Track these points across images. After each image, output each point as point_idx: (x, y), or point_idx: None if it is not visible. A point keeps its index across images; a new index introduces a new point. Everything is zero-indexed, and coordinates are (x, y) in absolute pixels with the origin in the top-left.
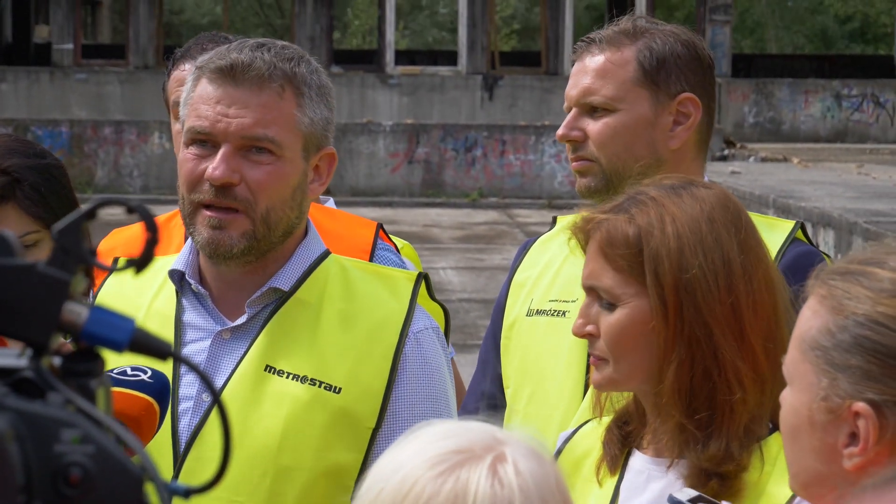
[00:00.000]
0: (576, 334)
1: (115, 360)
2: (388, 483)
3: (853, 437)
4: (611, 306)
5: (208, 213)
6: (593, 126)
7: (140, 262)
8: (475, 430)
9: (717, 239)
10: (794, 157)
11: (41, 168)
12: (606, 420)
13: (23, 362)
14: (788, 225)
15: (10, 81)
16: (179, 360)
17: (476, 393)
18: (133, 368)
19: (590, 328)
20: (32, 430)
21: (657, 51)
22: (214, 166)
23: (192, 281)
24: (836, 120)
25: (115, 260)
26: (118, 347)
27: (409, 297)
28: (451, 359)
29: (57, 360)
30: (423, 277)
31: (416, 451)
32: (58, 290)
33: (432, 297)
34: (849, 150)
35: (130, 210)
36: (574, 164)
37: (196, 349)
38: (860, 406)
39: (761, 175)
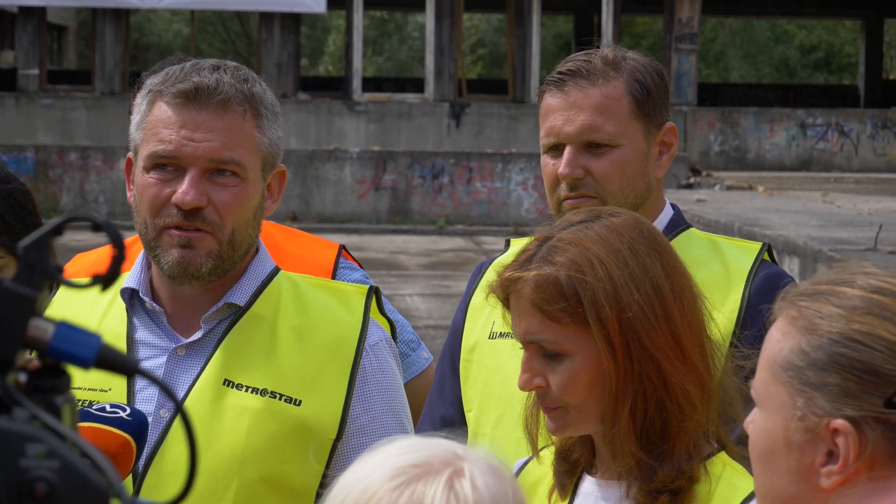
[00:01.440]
0: (523, 389)
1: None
2: (349, 493)
3: (830, 456)
4: (557, 356)
5: (177, 232)
6: (597, 164)
7: (106, 279)
8: (437, 445)
9: (643, 269)
10: (760, 186)
11: (6, 193)
12: (546, 455)
13: None
14: (756, 246)
15: None
16: (146, 376)
17: (433, 416)
18: (112, 405)
19: (538, 381)
20: None
21: (644, 83)
22: (185, 191)
23: (146, 298)
24: (800, 149)
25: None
26: (84, 364)
27: (363, 310)
28: (430, 365)
29: (22, 377)
30: (373, 291)
31: (378, 463)
32: (24, 307)
33: (381, 311)
34: (813, 179)
35: (96, 227)
36: (574, 200)
37: (150, 366)
38: (839, 423)
39: (727, 203)
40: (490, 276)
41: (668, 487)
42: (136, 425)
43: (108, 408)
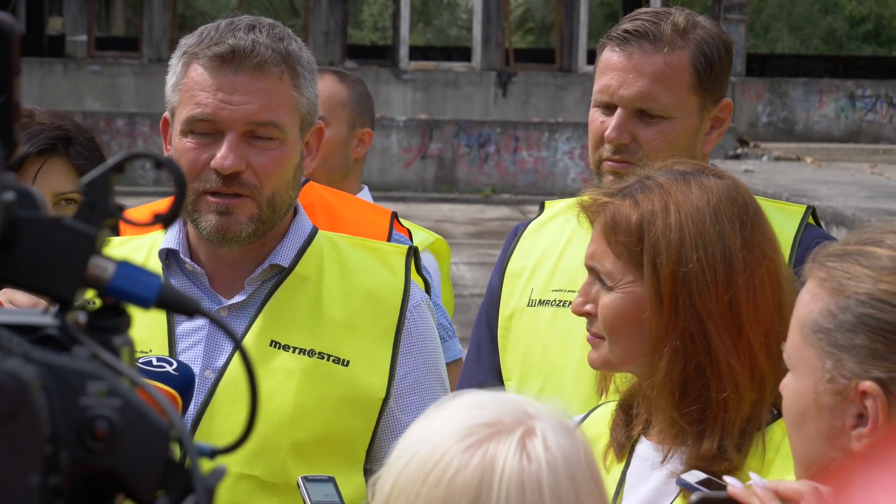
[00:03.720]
0: (574, 312)
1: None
2: (418, 451)
3: (860, 419)
4: (608, 287)
5: (214, 199)
6: (645, 132)
7: (168, 217)
8: (506, 402)
9: (719, 232)
10: (808, 157)
11: (90, 135)
12: (613, 405)
13: (48, 319)
14: (800, 210)
15: (24, 73)
16: (207, 316)
17: (471, 383)
18: (159, 359)
19: (588, 307)
20: (58, 383)
21: (709, 56)
22: (223, 156)
23: (187, 259)
24: (849, 120)
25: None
26: (145, 304)
27: (404, 270)
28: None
29: (82, 316)
30: (412, 251)
31: (448, 420)
32: (84, 245)
33: (419, 272)
34: (862, 151)
35: (158, 164)
36: (615, 164)
37: (192, 327)
38: (867, 385)
39: (774, 174)
40: (581, 197)
41: (709, 469)
42: (184, 379)
43: (154, 361)
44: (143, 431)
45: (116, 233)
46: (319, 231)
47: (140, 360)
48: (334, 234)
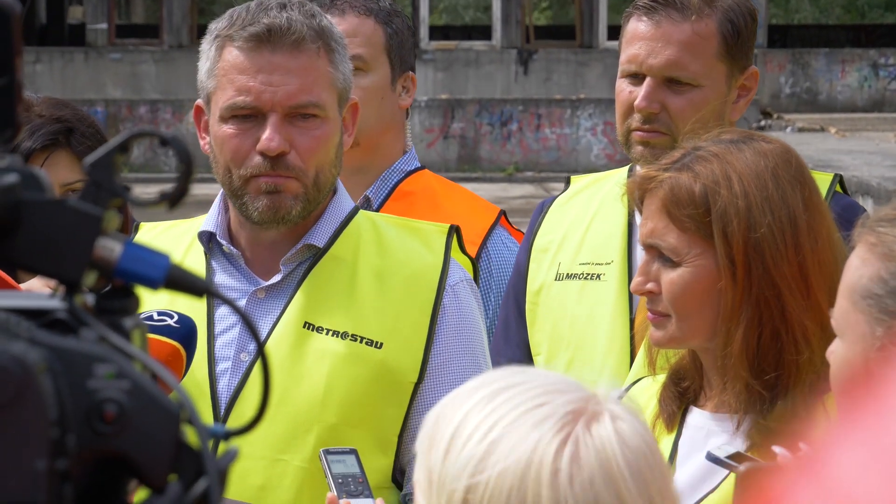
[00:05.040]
0: (635, 292)
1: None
2: (501, 462)
3: None
4: (673, 263)
5: (263, 179)
6: (675, 101)
7: (174, 196)
8: (571, 385)
9: (782, 196)
10: (832, 127)
11: (91, 121)
12: (661, 377)
13: (56, 303)
14: (827, 178)
15: (45, 62)
16: (217, 296)
17: (499, 360)
18: (160, 313)
19: (650, 286)
20: (65, 366)
21: (736, 24)
22: (269, 137)
23: (223, 241)
24: (873, 90)
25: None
26: (153, 284)
27: (444, 249)
28: None
29: (90, 298)
30: (454, 230)
31: (516, 414)
32: (90, 226)
33: (462, 250)
34: (886, 120)
35: (164, 142)
36: (645, 134)
37: (229, 310)
38: None
39: (799, 145)
40: (627, 174)
41: (783, 426)
42: (185, 331)
43: (155, 315)
44: (153, 414)
45: (123, 213)
46: (361, 211)
47: (141, 315)
48: (377, 213)
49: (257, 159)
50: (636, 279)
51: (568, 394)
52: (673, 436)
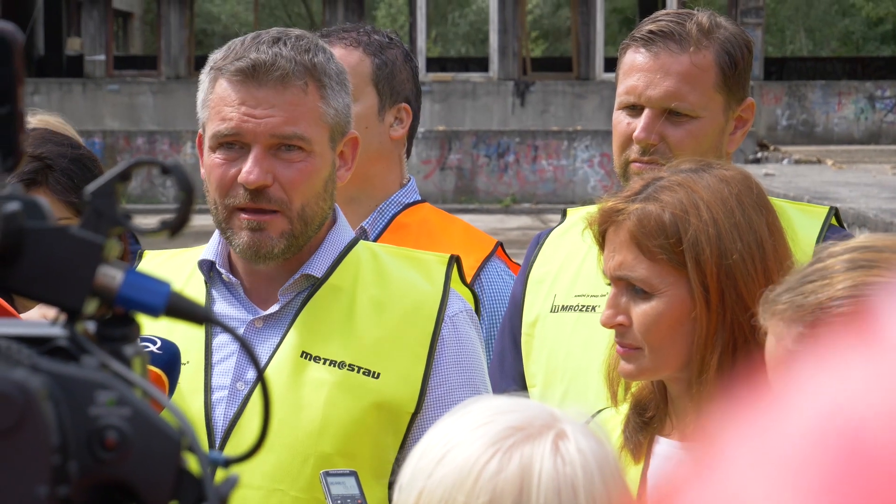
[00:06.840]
0: (605, 325)
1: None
2: (446, 457)
3: None
4: (645, 295)
5: (245, 216)
6: (673, 132)
7: (175, 224)
8: (530, 405)
9: (749, 222)
10: (828, 159)
11: (74, 157)
12: (623, 409)
13: (57, 331)
14: (822, 211)
15: (43, 93)
16: (217, 324)
17: (495, 391)
18: (142, 339)
19: (620, 318)
20: (67, 392)
21: (733, 56)
22: (248, 170)
23: (223, 270)
24: (869, 122)
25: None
26: (154, 312)
27: (443, 280)
28: None
29: (91, 326)
30: (454, 260)
31: (474, 425)
32: (91, 254)
33: (463, 281)
34: (883, 152)
35: (165, 170)
36: (643, 165)
37: (227, 339)
38: None
39: (795, 177)
40: (591, 209)
41: None
42: (168, 357)
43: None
44: (154, 440)
45: (123, 241)
46: (361, 241)
47: None
48: (377, 244)
49: (240, 191)
50: (606, 312)
51: (517, 413)
52: (640, 466)
